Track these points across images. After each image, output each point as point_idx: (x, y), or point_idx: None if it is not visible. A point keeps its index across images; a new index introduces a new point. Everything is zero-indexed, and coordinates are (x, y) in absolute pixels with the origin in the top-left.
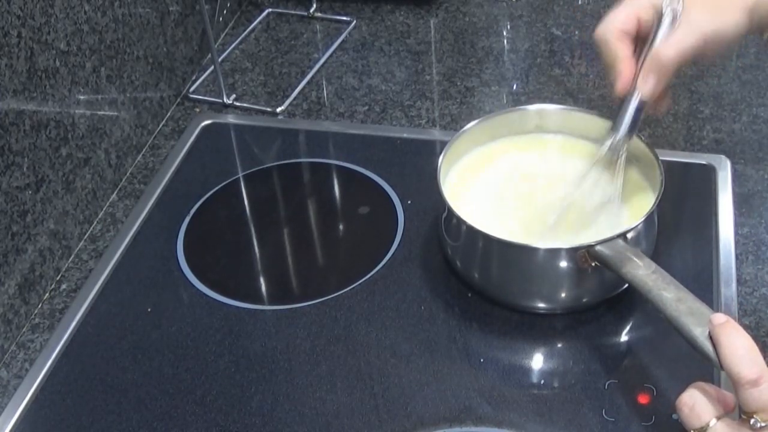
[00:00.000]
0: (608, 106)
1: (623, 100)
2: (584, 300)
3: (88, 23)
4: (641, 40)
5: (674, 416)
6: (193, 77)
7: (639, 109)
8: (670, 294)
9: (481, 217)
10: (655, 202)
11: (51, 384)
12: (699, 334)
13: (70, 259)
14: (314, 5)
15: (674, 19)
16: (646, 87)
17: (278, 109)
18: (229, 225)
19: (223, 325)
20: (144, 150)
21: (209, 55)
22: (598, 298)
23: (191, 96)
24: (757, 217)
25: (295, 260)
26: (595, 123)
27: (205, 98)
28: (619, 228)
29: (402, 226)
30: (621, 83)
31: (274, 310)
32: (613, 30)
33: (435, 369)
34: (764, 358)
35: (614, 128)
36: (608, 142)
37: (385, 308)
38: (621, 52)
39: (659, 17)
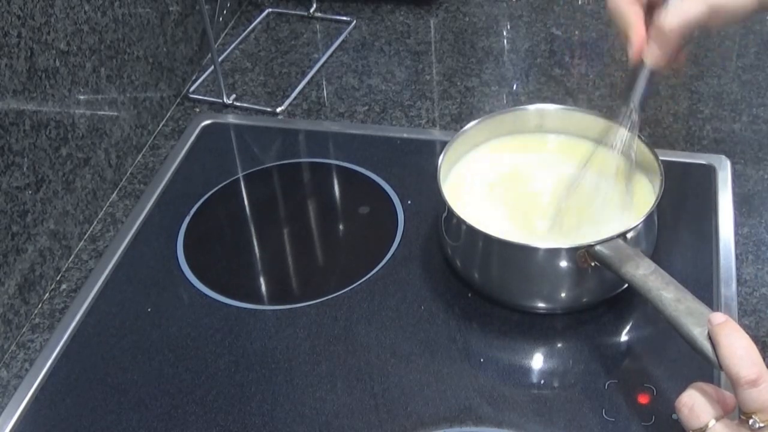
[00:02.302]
0: (608, 106)
1: (635, 70)
2: (584, 300)
3: (88, 23)
4: (653, 6)
5: (674, 416)
6: (193, 77)
7: (651, 78)
8: (669, 294)
9: (481, 217)
10: (655, 202)
11: (51, 384)
12: (698, 334)
13: (70, 259)
14: (314, 5)
15: None
16: (650, 56)
17: (278, 109)
18: (229, 225)
19: (223, 325)
20: (144, 150)
21: (209, 55)
22: (598, 298)
23: (191, 96)
24: (757, 217)
25: (295, 260)
26: (595, 123)
27: (205, 98)
28: (616, 227)
29: (402, 226)
30: (632, 51)
31: (274, 310)
32: None
33: (435, 369)
34: (764, 358)
35: (628, 98)
36: (623, 113)
37: (385, 308)
38: (631, 19)
39: None
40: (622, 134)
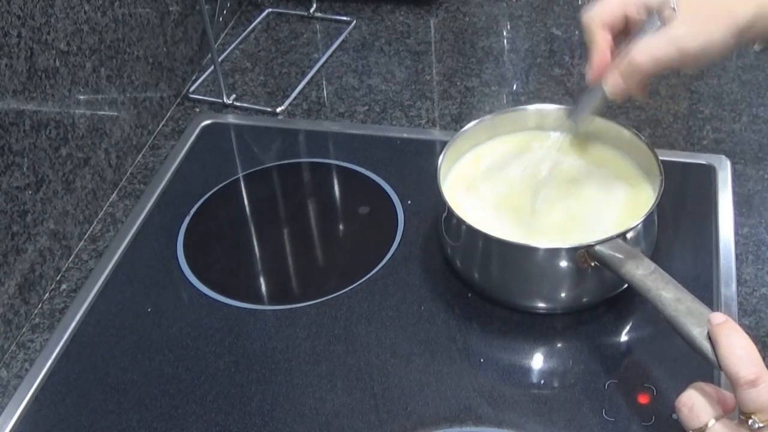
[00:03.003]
0: (608, 106)
1: (588, 89)
2: (584, 300)
3: (88, 23)
4: (627, 34)
5: (674, 416)
6: (193, 77)
7: (600, 101)
8: (669, 294)
9: (481, 217)
10: (655, 202)
11: (51, 384)
12: (698, 334)
13: (70, 259)
14: (314, 5)
15: (662, 24)
16: (611, 86)
17: (278, 109)
18: (229, 225)
19: (223, 325)
20: (144, 150)
21: (209, 55)
22: (598, 298)
23: (191, 96)
24: (757, 217)
25: (295, 260)
26: (595, 123)
27: (205, 98)
28: (616, 227)
29: (402, 226)
30: (591, 73)
31: (274, 310)
32: (597, 19)
33: (435, 369)
34: (764, 358)
35: (571, 114)
36: (563, 127)
37: (385, 308)
38: (598, 43)
39: (649, 18)
40: (555, 138)
